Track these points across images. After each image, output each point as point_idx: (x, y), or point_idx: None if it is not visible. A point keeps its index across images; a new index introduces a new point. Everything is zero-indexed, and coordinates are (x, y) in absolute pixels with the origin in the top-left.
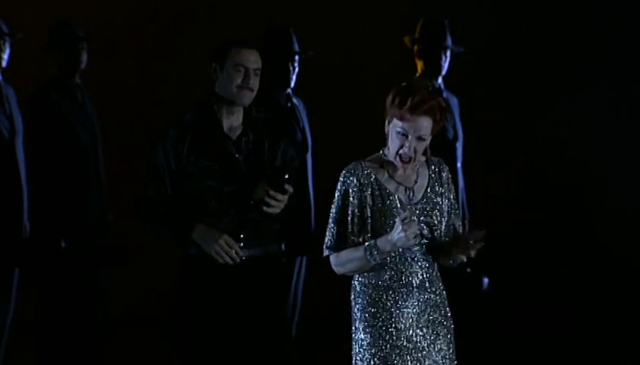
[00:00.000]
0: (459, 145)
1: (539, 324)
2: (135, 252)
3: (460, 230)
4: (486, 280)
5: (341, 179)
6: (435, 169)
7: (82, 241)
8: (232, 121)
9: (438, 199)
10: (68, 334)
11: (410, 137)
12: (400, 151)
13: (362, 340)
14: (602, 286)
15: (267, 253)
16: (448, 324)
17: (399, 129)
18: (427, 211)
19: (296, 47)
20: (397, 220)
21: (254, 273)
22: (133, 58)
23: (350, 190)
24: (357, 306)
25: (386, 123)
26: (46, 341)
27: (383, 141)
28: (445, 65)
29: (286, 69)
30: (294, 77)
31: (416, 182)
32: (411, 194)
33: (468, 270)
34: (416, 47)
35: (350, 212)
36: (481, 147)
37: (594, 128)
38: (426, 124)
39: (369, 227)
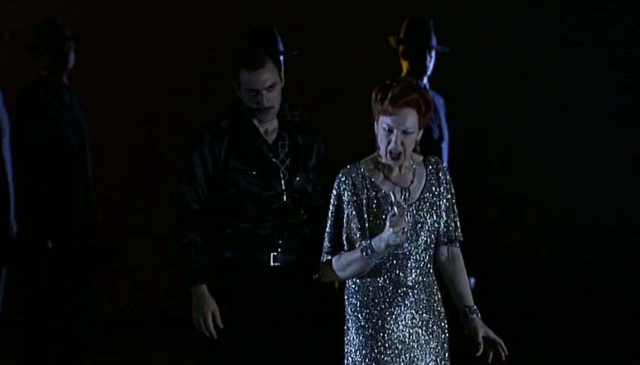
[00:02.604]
0: (445, 145)
1: (527, 324)
2: (124, 252)
3: (459, 230)
4: (472, 280)
5: (336, 182)
6: (432, 169)
7: (69, 241)
8: (268, 125)
9: (435, 199)
10: (56, 334)
11: (395, 131)
12: (389, 147)
13: (353, 340)
14: (594, 285)
15: (299, 259)
16: (443, 325)
17: (384, 125)
18: (423, 211)
19: (281, 47)
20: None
21: (287, 278)
22: (123, 58)
23: (346, 193)
24: (350, 307)
25: (375, 124)
26: (34, 340)
27: (370, 140)
28: (431, 66)
29: None
30: None
31: (412, 182)
32: (407, 194)
33: None
34: (401, 47)
35: (346, 215)
36: (468, 147)
37: (585, 128)
38: (410, 117)
39: (367, 230)
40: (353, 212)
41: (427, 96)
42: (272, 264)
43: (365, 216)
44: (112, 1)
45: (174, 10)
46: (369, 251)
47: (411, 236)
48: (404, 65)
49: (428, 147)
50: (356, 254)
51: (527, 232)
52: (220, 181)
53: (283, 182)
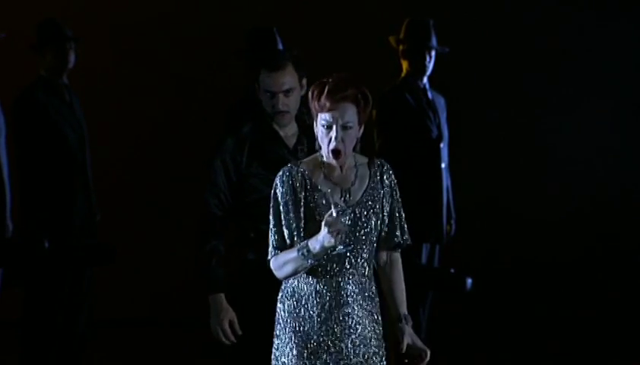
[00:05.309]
0: (444, 145)
1: (523, 324)
2: (123, 253)
3: (405, 235)
4: (469, 280)
5: (275, 181)
6: (376, 171)
7: (67, 241)
8: (287, 130)
9: (377, 203)
10: (53, 333)
11: (334, 126)
12: (330, 146)
13: (284, 345)
14: (590, 284)
15: None
16: (379, 331)
17: (323, 121)
18: (363, 214)
19: (281, 47)
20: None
21: None
22: (123, 58)
23: (284, 193)
24: (283, 309)
25: (314, 126)
26: (31, 340)
27: (368, 140)
28: (430, 65)
29: None
30: None
31: (353, 183)
32: (347, 196)
33: (452, 270)
34: (401, 47)
35: (284, 215)
36: (467, 147)
37: (580, 128)
38: (349, 111)
39: (303, 230)
40: (290, 212)
41: (365, 92)
42: None
43: (302, 216)
44: (112, 1)
45: (174, 10)
46: (305, 251)
47: (349, 238)
48: (404, 64)
49: (426, 146)
50: (293, 254)
51: (526, 231)
52: (243, 187)
53: None
